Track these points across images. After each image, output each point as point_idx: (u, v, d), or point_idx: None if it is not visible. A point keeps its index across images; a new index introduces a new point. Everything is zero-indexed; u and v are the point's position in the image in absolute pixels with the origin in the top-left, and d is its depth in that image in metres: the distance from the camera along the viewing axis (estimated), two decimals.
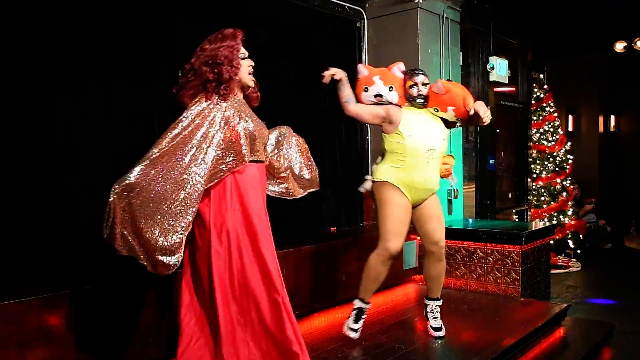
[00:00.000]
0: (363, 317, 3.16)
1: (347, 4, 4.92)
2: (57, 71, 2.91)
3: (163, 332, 2.80)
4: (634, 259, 7.52)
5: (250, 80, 2.40)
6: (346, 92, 3.06)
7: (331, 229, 4.52)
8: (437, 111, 3.12)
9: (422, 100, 3.08)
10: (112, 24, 3.16)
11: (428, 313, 3.28)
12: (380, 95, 3.10)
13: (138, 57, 3.30)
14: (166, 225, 2.09)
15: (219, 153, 2.21)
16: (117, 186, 2.07)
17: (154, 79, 3.36)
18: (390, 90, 3.10)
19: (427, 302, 3.30)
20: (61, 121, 2.95)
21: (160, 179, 2.10)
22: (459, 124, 3.23)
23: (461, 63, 5.41)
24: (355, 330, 3.12)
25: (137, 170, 2.09)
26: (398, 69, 3.17)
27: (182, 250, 2.14)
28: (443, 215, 3.25)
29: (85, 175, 3.03)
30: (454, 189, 5.11)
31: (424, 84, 3.08)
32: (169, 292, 2.84)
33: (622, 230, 8.80)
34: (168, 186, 2.10)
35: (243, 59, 2.36)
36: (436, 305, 3.27)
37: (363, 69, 3.20)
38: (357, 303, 3.16)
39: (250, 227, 2.26)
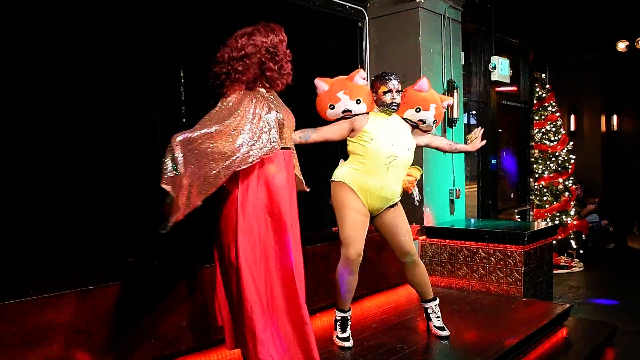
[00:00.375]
0: (348, 324, 3.13)
1: (349, 4, 4.91)
2: (58, 71, 2.92)
3: (165, 330, 2.81)
4: (637, 259, 7.49)
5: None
6: (296, 136, 2.88)
7: (333, 229, 4.50)
8: (419, 111, 3.08)
9: (395, 108, 3.05)
10: (113, 24, 3.16)
11: (430, 314, 3.26)
12: (350, 110, 3.03)
13: (140, 57, 3.30)
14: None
15: (255, 138, 2.28)
16: (180, 137, 2.16)
17: (154, 80, 3.36)
18: (358, 103, 3.03)
19: (425, 305, 3.27)
20: (63, 121, 2.96)
21: (212, 145, 2.20)
22: (433, 129, 3.19)
23: (463, 63, 5.41)
24: (347, 339, 3.08)
25: (199, 129, 2.21)
26: (360, 77, 3.08)
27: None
28: (407, 223, 3.19)
29: (86, 174, 3.04)
30: (456, 189, 5.10)
31: (397, 91, 3.03)
32: (171, 290, 2.84)
33: (624, 230, 8.77)
34: (215, 154, 2.20)
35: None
36: (435, 305, 3.26)
37: (322, 84, 3.09)
38: (338, 314, 3.13)
39: (274, 209, 2.35)
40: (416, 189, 3.22)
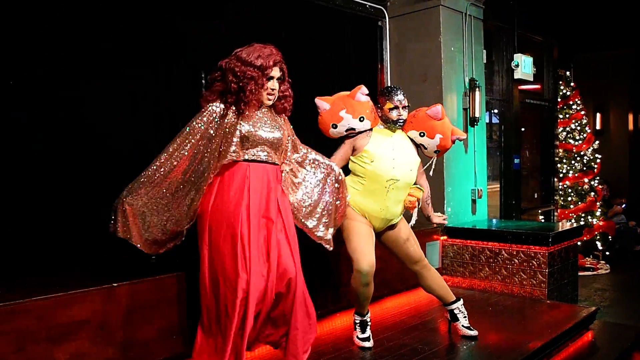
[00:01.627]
0: (368, 325, 3.10)
1: (369, 3, 4.90)
2: (83, 72, 2.98)
3: (188, 327, 2.81)
4: None
5: (267, 101, 2.47)
6: None
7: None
8: (423, 136, 3.00)
9: (401, 124, 2.98)
10: (137, 27, 3.21)
11: (457, 314, 3.20)
12: (353, 129, 2.95)
13: (162, 58, 3.35)
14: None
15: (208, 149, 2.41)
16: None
17: (176, 80, 3.40)
18: (361, 121, 2.94)
19: (449, 307, 3.21)
20: (87, 121, 3.03)
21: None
22: (434, 157, 3.11)
23: (485, 61, 5.35)
24: (367, 339, 3.05)
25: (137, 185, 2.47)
26: (361, 93, 2.96)
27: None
28: (411, 231, 3.13)
29: (110, 173, 3.09)
30: (478, 189, 5.05)
31: (404, 107, 2.95)
32: (193, 288, 2.86)
33: None
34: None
35: (269, 79, 2.43)
36: (461, 305, 3.22)
37: (323, 103, 2.99)
38: (356, 317, 3.09)
39: (227, 220, 2.39)
40: (416, 210, 3.09)
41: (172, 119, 3.38)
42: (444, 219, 3.17)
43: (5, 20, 2.74)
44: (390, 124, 2.97)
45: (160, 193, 2.44)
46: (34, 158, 2.85)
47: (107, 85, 3.10)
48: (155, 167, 2.42)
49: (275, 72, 2.45)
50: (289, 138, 2.62)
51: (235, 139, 2.39)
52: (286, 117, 2.62)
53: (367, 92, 2.99)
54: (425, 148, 3.07)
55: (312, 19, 4.41)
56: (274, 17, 4.02)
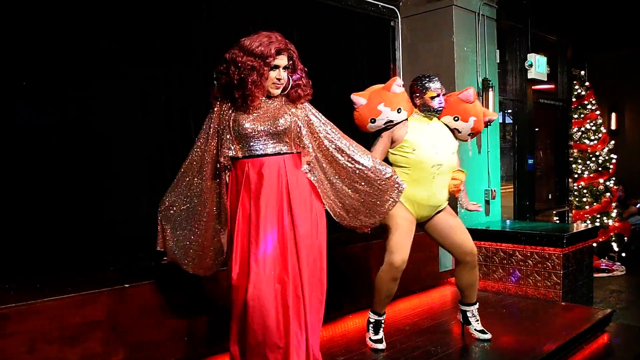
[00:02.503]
0: (382, 326, 3.09)
1: (381, 3, 4.89)
2: (94, 72, 2.99)
3: (199, 329, 2.83)
4: None
5: (274, 90, 2.32)
6: None
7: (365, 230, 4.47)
8: (457, 120, 3.03)
9: (440, 111, 2.99)
10: (147, 27, 3.22)
11: (470, 318, 3.19)
12: (392, 121, 2.96)
13: (173, 58, 3.35)
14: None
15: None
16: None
17: (188, 81, 3.41)
18: (399, 112, 2.96)
19: (465, 308, 3.20)
20: (98, 121, 3.04)
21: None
22: (468, 139, 3.13)
23: (498, 61, 5.31)
24: (380, 341, 3.04)
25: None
26: (397, 85, 2.98)
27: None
28: (461, 221, 3.13)
29: (121, 174, 3.12)
30: (491, 189, 5.00)
31: (443, 94, 2.98)
32: (204, 289, 2.87)
33: None
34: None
35: (275, 68, 2.28)
36: (476, 309, 3.20)
37: (359, 99, 2.98)
38: (372, 316, 3.08)
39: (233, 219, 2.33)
40: (462, 192, 3.14)
41: (184, 119, 3.41)
42: (479, 207, 3.18)
43: (18, 22, 2.76)
44: (432, 112, 2.98)
45: (182, 199, 2.43)
46: (46, 157, 2.86)
47: (118, 86, 3.10)
48: (178, 174, 2.45)
49: (281, 61, 2.29)
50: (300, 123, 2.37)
51: (228, 136, 2.30)
52: (304, 104, 2.41)
53: (401, 83, 3.02)
54: (460, 132, 3.09)
55: (325, 19, 4.40)
56: (286, 17, 4.02)
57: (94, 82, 3.00)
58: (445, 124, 3.09)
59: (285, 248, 2.25)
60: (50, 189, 2.89)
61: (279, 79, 2.30)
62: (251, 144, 2.30)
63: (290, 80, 2.36)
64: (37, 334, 2.24)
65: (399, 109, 2.95)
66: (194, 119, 3.35)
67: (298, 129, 2.33)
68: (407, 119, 3.01)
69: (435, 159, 2.92)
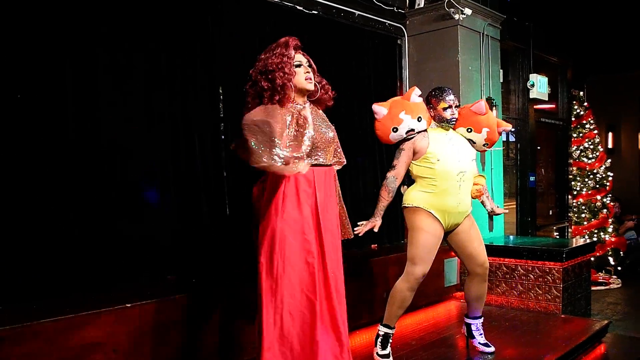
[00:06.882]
0: (390, 341, 3.09)
1: (388, 21, 4.96)
2: (99, 88, 2.93)
3: (202, 350, 2.77)
4: None
5: (308, 84, 2.37)
6: (386, 194, 3.02)
7: (372, 246, 4.51)
8: (470, 131, 3.08)
9: (454, 122, 3.05)
10: (153, 43, 3.18)
11: (474, 331, 3.27)
12: (413, 130, 3.00)
13: (179, 74, 3.30)
14: None
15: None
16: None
17: (194, 96, 3.36)
18: (419, 121, 3.00)
19: (470, 321, 3.27)
20: (104, 137, 2.96)
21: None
22: (485, 148, 3.18)
23: (501, 80, 5.42)
24: (387, 356, 3.05)
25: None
26: (415, 94, 3.04)
27: None
28: (480, 233, 3.19)
29: (126, 190, 3.02)
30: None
31: (456, 106, 3.04)
32: (209, 309, 2.84)
33: None
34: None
35: (298, 66, 2.35)
36: (480, 323, 3.28)
37: (380, 109, 3.02)
38: (382, 329, 3.07)
39: (273, 225, 2.30)
40: (484, 196, 3.18)
41: (189, 135, 3.32)
42: (505, 210, 3.27)
43: (23, 32, 2.66)
44: (445, 123, 3.04)
45: None
46: (45, 176, 2.72)
47: (123, 100, 3.03)
48: None
49: (301, 59, 2.38)
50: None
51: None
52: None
53: (420, 92, 3.06)
54: (474, 143, 3.14)
55: (332, 36, 4.40)
56: (293, 34, 4.03)
57: (101, 99, 2.92)
58: (461, 134, 3.15)
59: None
60: (48, 208, 2.72)
61: (307, 72, 2.37)
62: (314, 151, 2.37)
63: (319, 87, 2.43)
64: (35, 357, 2.15)
65: (419, 117, 2.99)
66: (199, 135, 3.32)
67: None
68: (426, 130, 3.05)
69: (459, 167, 2.98)
